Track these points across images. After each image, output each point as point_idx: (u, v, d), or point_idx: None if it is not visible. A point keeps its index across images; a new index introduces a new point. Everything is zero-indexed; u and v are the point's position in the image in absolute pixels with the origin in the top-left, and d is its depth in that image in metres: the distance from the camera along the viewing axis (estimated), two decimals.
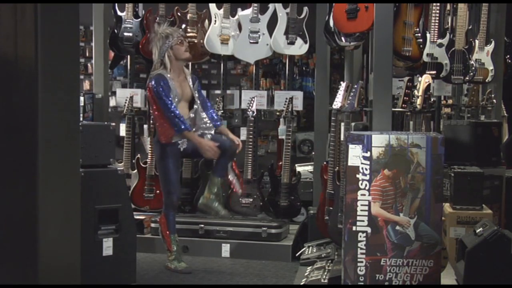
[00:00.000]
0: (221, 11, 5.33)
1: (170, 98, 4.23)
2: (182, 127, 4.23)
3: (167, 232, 4.41)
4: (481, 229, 3.30)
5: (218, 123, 4.51)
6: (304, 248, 4.67)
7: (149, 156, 5.30)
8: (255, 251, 4.82)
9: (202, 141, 4.30)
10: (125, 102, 5.49)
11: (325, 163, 4.55)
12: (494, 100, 6.08)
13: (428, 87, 4.91)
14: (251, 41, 5.30)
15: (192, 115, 4.36)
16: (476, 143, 4.64)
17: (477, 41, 5.41)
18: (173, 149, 4.31)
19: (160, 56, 4.31)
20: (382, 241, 3.04)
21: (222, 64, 5.78)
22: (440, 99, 5.78)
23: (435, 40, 4.86)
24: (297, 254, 4.67)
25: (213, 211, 4.48)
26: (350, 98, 4.23)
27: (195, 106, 4.39)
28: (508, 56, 6.41)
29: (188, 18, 5.36)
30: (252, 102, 5.25)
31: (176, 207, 4.51)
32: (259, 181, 5.27)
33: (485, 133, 4.72)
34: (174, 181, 4.38)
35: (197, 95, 4.42)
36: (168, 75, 4.29)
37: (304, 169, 5.91)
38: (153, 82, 4.25)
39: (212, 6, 5.34)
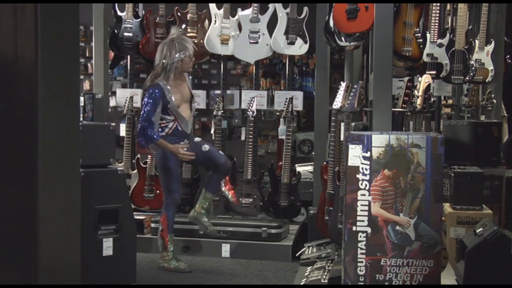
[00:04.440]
0: (221, 11, 5.33)
1: (152, 110, 4.23)
2: (155, 136, 4.25)
3: (166, 232, 4.42)
4: (481, 229, 3.30)
5: None
6: (304, 248, 4.67)
7: (149, 156, 5.30)
8: (255, 251, 4.83)
9: (173, 148, 4.33)
10: (125, 102, 5.49)
11: (325, 163, 4.55)
12: (494, 100, 6.09)
13: (428, 87, 4.91)
14: (251, 41, 5.30)
15: (189, 112, 4.45)
16: (476, 143, 4.64)
17: (477, 41, 5.42)
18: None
19: (167, 62, 4.30)
20: (382, 241, 3.04)
21: (222, 64, 5.78)
22: (440, 99, 5.78)
23: (435, 40, 4.87)
24: (297, 254, 4.67)
25: (202, 226, 4.57)
26: (350, 98, 4.23)
27: (193, 105, 4.49)
28: (508, 56, 6.41)
29: (188, 18, 5.37)
30: (252, 102, 5.25)
31: (177, 206, 4.52)
32: (259, 181, 5.27)
33: (485, 133, 4.71)
34: (176, 180, 4.44)
35: (192, 96, 4.50)
36: (168, 87, 4.31)
37: (304, 169, 5.91)
38: (149, 91, 4.29)
39: (212, 6, 5.35)
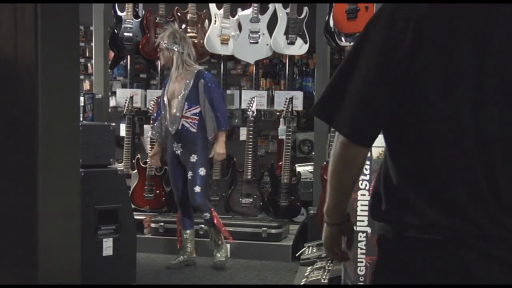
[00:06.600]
0: (221, 11, 5.33)
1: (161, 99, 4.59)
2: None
3: (179, 230, 4.61)
4: None
5: (222, 128, 4.36)
6: (304, 248, 4.67)
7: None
8: (255, 251, 4.82)
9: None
10: (125, 102, 5.48)
11: (325, 163, 4.55)
12: None
13: None
14: (251, 41, 5.30)
15: (174, 110, 4.35)
16: None
17: None
18: (169, 150, 4.51)
19: None
20: None
21: (222, 64, 5.78)
22: None
23: None
24: (297, 254, 4.67)
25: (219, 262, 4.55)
26: None
27: (176, 101, 4.36)
28: None
29: (188, 18, 5.36)
30: (252, 102, 5.25)
31: (179, 205, 4.57)
32: (259, 181, 5.27)
33: None
34: (171, 181, 4.59)
35: (183, 93, 4.31)
36: (172, 77, 4.46)
37: (304, 169, 5.91)
38: None
39: (212, 6, 5.34)
